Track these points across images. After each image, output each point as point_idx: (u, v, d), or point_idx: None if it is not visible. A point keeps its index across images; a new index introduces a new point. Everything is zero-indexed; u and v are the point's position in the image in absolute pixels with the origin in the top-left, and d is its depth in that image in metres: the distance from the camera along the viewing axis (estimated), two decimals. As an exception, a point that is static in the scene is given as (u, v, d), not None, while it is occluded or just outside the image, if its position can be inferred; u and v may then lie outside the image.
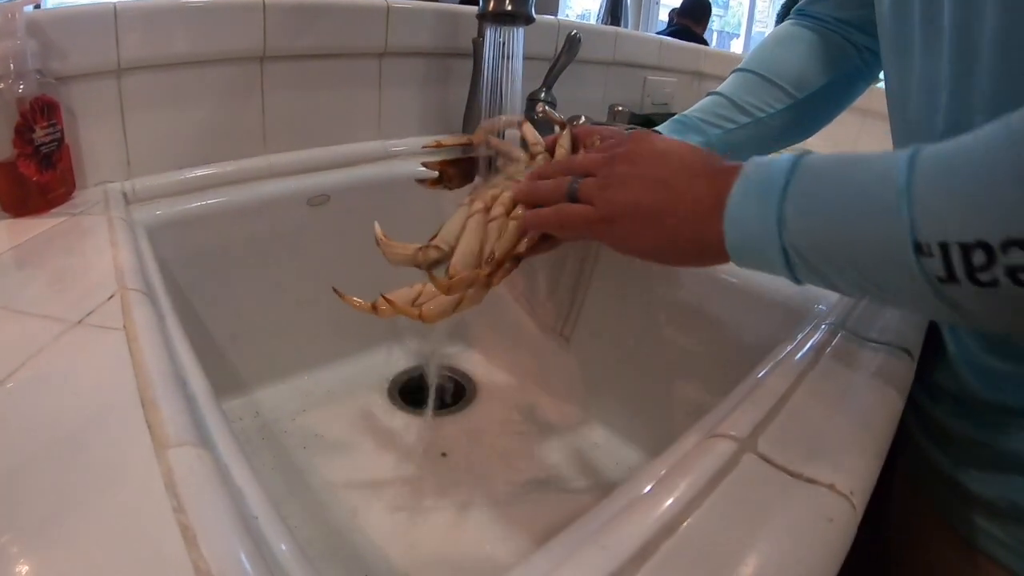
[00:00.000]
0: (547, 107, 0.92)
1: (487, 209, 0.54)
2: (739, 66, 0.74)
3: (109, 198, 0.66)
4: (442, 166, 0.64)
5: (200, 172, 0.76)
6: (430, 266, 0.53)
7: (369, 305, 0.50)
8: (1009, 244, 0.30)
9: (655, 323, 0.76)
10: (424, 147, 0.64)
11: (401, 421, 0.82)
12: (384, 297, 0.50)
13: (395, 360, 0.93)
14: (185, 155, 0.75)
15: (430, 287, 0.50)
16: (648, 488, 0.34)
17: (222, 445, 0.33)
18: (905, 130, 0.56)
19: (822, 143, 1.22)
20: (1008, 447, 0.51)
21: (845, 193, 0.38)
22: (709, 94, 0.73)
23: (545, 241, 0.55)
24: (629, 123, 1.22)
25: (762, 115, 0.70)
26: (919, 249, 0.33)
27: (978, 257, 0.31)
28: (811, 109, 0.72)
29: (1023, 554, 0.51)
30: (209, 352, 0.77)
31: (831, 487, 0.33)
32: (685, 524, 0.30)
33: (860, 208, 0.37)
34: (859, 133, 1.22)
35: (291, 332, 0.84)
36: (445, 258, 0.52)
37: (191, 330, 0.73)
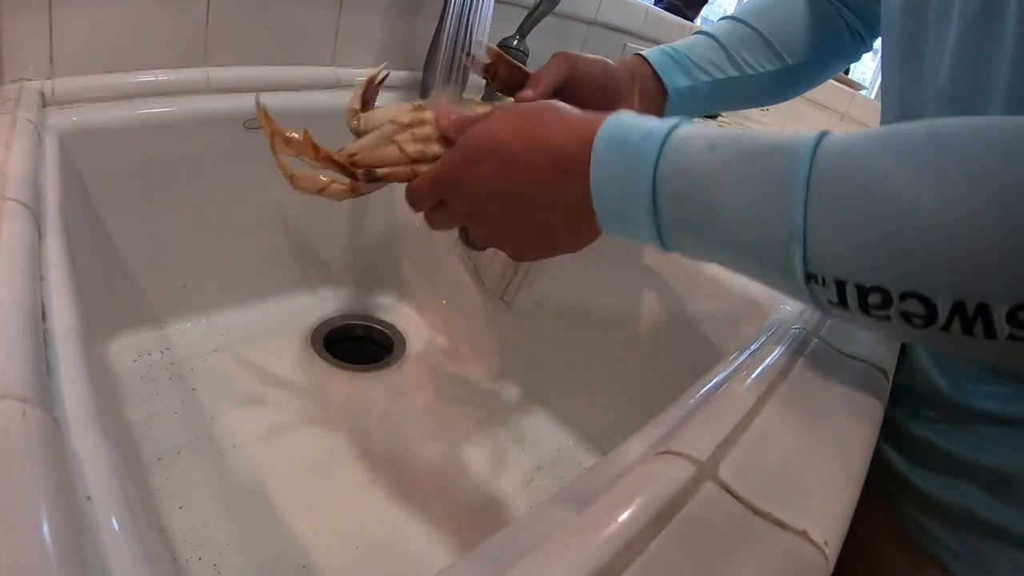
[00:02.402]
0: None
1: (407, 127, 0.51)
2: (734, 14, 0.71)
3: (23, 97, 0.59)
4: (499, 59, 0.60)
5: (130, 78, 0.68)
6: (350, 128, 0.54)
7: (270, 130, 0.50)
8: (908, 296, 0.30)
9: (605, 300, 0.72)
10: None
11: (321, 372, 0.77)
12: (286, 134, 0.50)
13: (323, 306, 0.88)
14: (115, 58, 0.67)
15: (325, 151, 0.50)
16: (584, 511, 0.28)
17: (71, 400, 0.28)
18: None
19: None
20: (966, 453, 0.51)
21: (727, 197, 0.35)
22: (698, 33, 0.70)
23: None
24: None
25: (751, 73, 0.68)
26: (811, 277, 0.33)
27: (874, 298, 0.31)
28: (794, 78, 0.71)
29: (971, 561, 0.50)
30: (120, 278, 0.71)
31: (803, 534, 0.29)
32: (627, 572, 0.25)
33: (744, 227, 0.35)
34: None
35: (213, 264, 0.78)
36: (355, 134, 0.53)
37: (98, 253, 0.69)
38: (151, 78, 0.69)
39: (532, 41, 0.93)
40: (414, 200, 0.50)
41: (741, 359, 0.44)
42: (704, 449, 0.32)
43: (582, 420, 0.77)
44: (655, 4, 1.55)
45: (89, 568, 0.21)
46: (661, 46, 0.67)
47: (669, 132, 0.38)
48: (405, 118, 0.51)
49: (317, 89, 0.81)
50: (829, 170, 0.32)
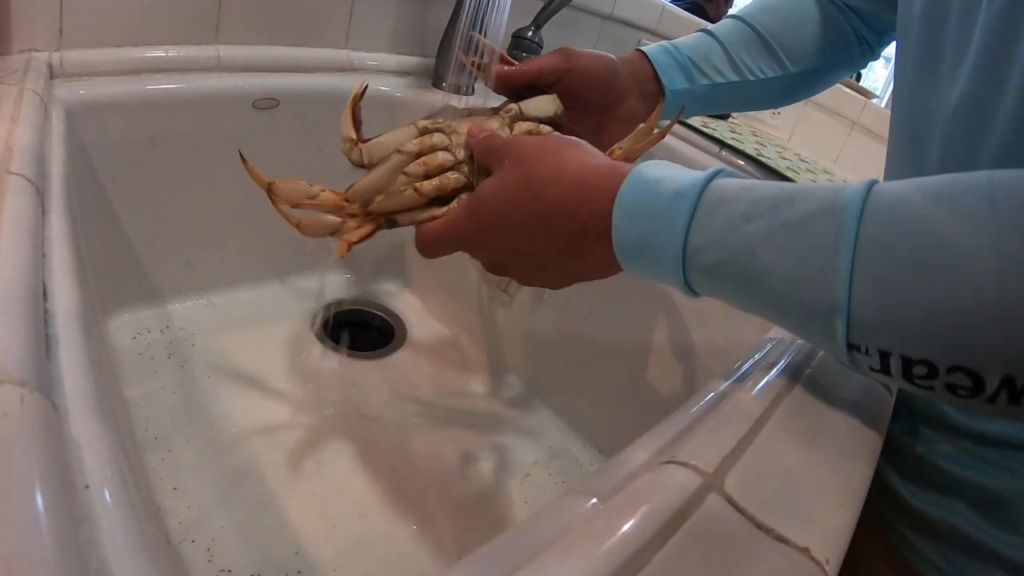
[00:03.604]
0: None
1: (416, 156, 0.47)
2: (740, 14, 0.69)
3: (30, 68, 0.58)
4: (504, 60, 0.56)
5: (139, 53, 0.67)
6: (351, 160, 0.49)
7: (266, 183, 0.47)
8: (956, 369, 0.28)
9: (610, 298, 0.72)
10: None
11: (321, 358, 0.77)
12: (276, 183, 0.47)
13: (325, 290, 0.87)
14: (125, 32, 0.67)
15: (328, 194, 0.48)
16: (587, 519, 0.27)
17: (70, 384, 0.28)
18: (909, 143, 0.53)
19: (806, 151, 1.18)
20: (960, 472, 0.50)
21: (765, 271, 0.33)
22: (701, 31, 0.68)
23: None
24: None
25: (752, 79, 0.66)
26: (853, 347, 0.31)
27: (919, 370, 0.29)
28: (796, 85, 0.70)
29: None
30: (122, 255, 0.70)
31: (805, 551, 0.28)
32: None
33: (785, 297, 0.33)
34: (844, 144, 1.18)
35: (217, 244, 0.77)
36: (359, 166, 0.49)
37: (101, 229, 0.68)
38: (161, 53, 0.69)
39: (547, 33, 0.92)
40: (428, 251, 0.47)
41: (745, 368, 0.43)
42: (710, 460, 0.31)
43: (580, 416, 0.77)
44: (674, 2, 1.53)
45: (86, 559, 0.21)
46: (663, 43, 0.65)
47: (699, 196, 0.36)
48: (413, 147, 0.48)
49: (330, 72, 0.80)
50: (877, 239, 0.30)
